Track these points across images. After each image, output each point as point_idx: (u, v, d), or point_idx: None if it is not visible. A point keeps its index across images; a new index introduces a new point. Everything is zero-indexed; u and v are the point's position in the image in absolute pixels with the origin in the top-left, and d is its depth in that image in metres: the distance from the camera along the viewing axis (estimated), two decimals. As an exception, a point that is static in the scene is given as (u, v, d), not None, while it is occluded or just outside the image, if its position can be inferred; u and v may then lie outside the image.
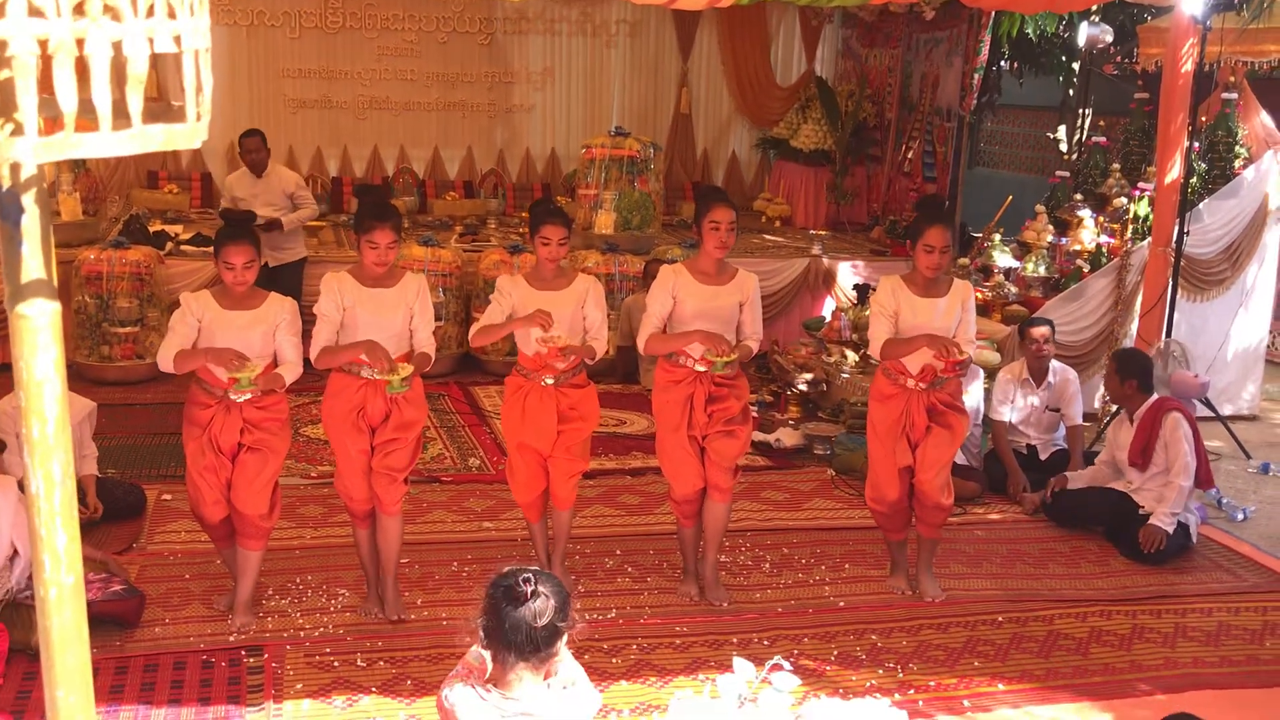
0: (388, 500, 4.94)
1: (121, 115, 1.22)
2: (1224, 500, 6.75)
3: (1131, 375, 6.18)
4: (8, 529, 4.58)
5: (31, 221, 1.16)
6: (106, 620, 4.67)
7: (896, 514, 5.44)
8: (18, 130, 1.14)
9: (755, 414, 6.14)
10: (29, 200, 1.16)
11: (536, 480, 5.19)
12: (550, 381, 5.01)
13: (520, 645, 2.65)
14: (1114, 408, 7.45)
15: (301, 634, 4.88)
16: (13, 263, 1.17)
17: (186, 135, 1.24)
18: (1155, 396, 6.20)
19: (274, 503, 4.93)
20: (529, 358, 5.02)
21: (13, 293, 1.20)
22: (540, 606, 2.67)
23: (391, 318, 4.84)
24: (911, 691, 4.62)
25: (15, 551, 4.67)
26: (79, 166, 8.97)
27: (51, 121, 1.19)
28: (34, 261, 1.17)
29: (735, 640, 4.95)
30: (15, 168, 1.14)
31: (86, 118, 1.20)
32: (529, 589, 2.67)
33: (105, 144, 1.15)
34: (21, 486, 4.75)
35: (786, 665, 3.17)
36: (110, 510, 5.84)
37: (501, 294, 5.01)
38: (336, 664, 4.65)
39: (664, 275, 5.16)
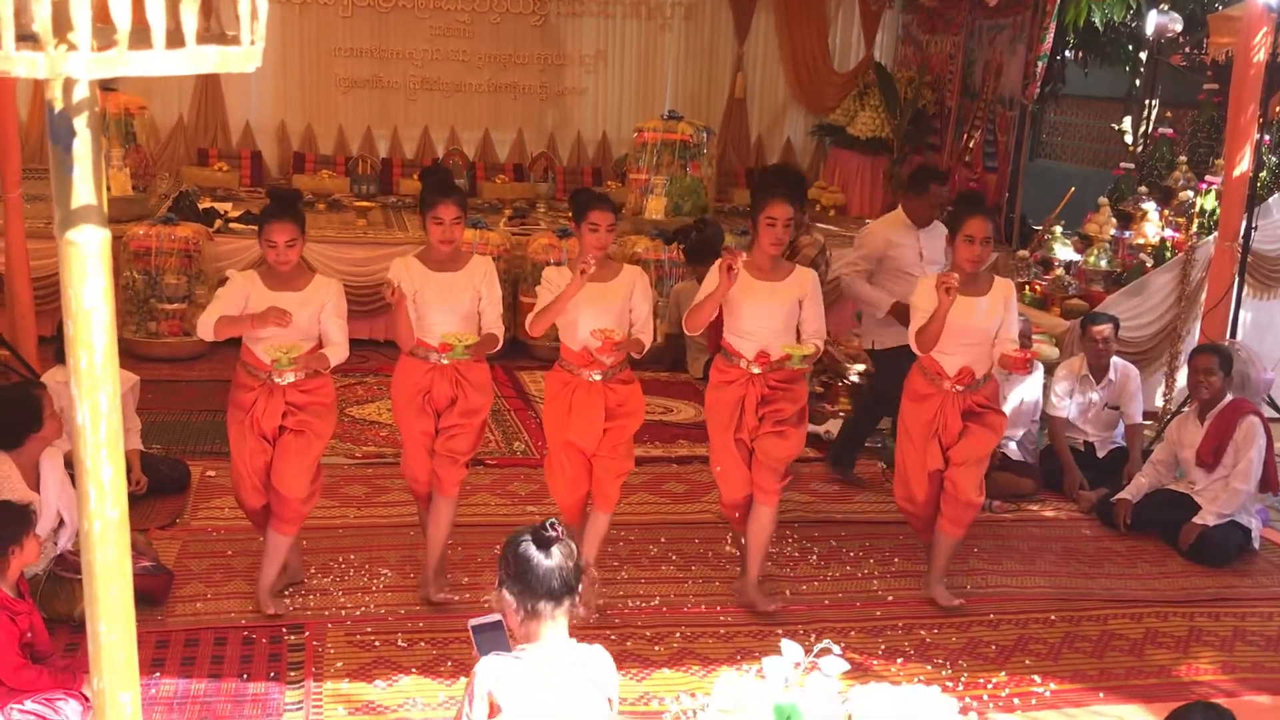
0: (447, 480, 4.90)
1: (176, 44, 1.16)
2: (1288, 504, 6.59)
3: (1229, 373, 6.04)
4: (54, 498, 4.58)
5: (83, 145, 1.10)
6: (140, 597, 4.63)
7: (927, 516, 5.25)
8: (71, 49, 1.07)
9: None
10: (80, 123, 1.10)
11: (581, 481, 4.99)
12: (597, 377, 4.81)
13: (555, 590, 2.69)
14: (1174, 406, 7.31)
15: (343, 613, 4.85)
16: (63, 187, 1.11)
17: (241, 58, 1.17)
18: (1231, 397, 6.04)
19: (314, 488, 4.85)
20: (575, 353, 4.82)
21: (62, 218, 1.14)
22: (567, 548, 2.74)
23: (459, 300, 4.78)
24: (960, 688, 4.52)
25: (61, 522, 4.66)
26: (129, 141, 9.00)
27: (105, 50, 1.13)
28: (84, 187, 1.11)
29: (780, 631, 4.86)
30: (68, 86, 1.07)
31: (140, 44, 1.14)
32: (555, 533, 2.72)
33: (158, 62, 1.09)
34: (67, 461, 4.75)
35: (835, 649, 3.08)
36: (154, 485, 5.84)
37: (550, 284, 4.79)
38: (377, 643, 4.62)
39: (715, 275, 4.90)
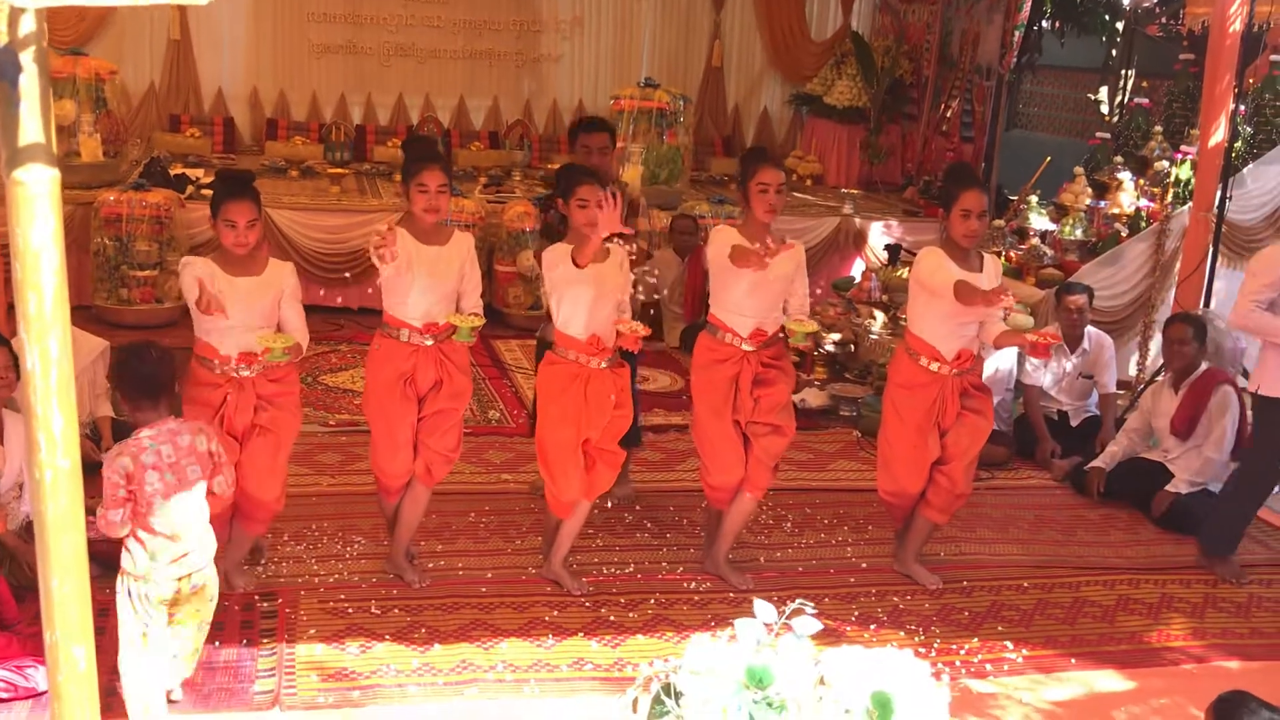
0: (437, 475, 4.77)
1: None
2: (1258, 472, 6.62)
3: (1204, 342, 6.05)
4: (17, 451, 4.53)
5: (30, 81, 1.06)
6: (103, 562, 4.59)
7: (913, 506, 5.18)
8: (16, -21, 1.03)
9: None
10: (28, 59, 1.06)
11: (584, 473, 4.79)
12: (604, 364, 4.66)
13: (154, 391, 3.65)
14: (1148, 375, 7.34)
15: (316, 580, 4.82)
16: (9, 125, 1.07)
17: (195, -10, 1.13)
18: (1205, 366, 6.06)
19: (284, 485, 4.67)
20: (582, 342, 4.61)
21: (9, 157, 1.10)
22: (158, 356, 3.67)
23: (446, 276, 4.58)
24: (933, 653, 4.53)
25: (22, 485, 4.61)
26: (100, 107, 8.87)
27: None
28: (32, 124, 1.07)
29: (754, 598, 4.87)
30: (14, 17, 1.03)
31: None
32: (153, 350, 3.69)
33: (110, -9, 1.05)
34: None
35: (810, 609, 3.06)
36: (126, 451, 5.76)
37: (554, 268, 4.56)
38: (351, 610, 4.60)
39: (725, 240, 4.75)
